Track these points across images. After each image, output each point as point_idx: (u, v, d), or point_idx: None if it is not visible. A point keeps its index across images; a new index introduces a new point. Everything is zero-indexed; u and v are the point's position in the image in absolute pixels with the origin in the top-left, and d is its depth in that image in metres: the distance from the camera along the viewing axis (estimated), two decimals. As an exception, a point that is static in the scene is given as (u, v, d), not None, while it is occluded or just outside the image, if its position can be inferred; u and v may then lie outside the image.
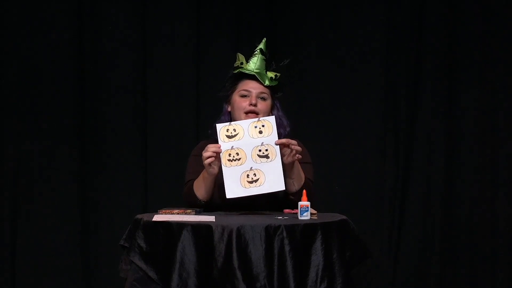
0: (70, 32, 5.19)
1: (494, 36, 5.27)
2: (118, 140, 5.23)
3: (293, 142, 3.64)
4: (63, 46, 5.19)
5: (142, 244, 3.35)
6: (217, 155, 3.61)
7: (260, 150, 3.62)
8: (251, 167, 3.62)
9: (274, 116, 3.70)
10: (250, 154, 3.62)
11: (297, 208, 3.47)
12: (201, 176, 3.74)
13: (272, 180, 3.60)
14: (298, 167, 3.73)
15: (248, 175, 3.61)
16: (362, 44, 5.31)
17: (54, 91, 5.19)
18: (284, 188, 3.63)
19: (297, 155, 3.63)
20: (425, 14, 5.29)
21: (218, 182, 3.72)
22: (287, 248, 3.22)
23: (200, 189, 3.76)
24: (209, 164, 3.62)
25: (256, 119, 3.67)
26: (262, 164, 3.62)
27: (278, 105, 3.97)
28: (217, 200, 3.77)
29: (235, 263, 3.17)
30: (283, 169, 3.67)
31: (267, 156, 3.61)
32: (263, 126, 3.64)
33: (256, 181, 3.61)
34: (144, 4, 5.24)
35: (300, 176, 3.73)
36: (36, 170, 5.19)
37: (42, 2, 5.19)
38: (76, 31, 5.20)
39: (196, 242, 3.24)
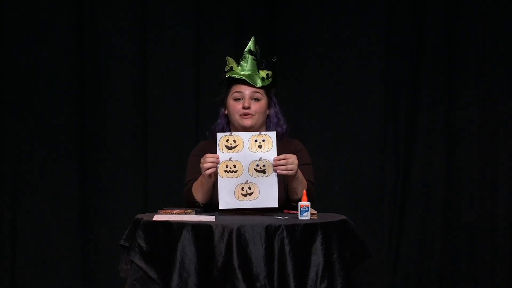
0: (70, 32, 5.19)
1: (494, 36, 5.28)
2: (118, 140, 5.24)
3: (290, 159, 3.63)
4: (63, 47, 5.19)
5: (142, 244, 3.35)
6: (216, 166, 3.62)
7: (257, 165, 3.61)
8: (247, 181, 3.62)
9: (275, 132, 3.68)
10: (247, 168, 3.61)
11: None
12: (199, 180, 3.75)
13: (266, 195, 3.60)
14: (300, 176, 3.73)
15: (243, 188, 3.61)
16: (362, 43, 5.31)
17: (54, 91, 5.20)
18: (277, 206, 3.63)
19: (288, 172, 3.63)
20: (425, 14, 5.29)
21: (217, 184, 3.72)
22: (287, 248, 3.22)
23: (199, 192, 3.76)
24: (209, 174, 3.63)
25: (257, 132, 3.67)
26: (258, 178, 3.61)
27: (275, 101, 3.97)
28: (216, 201, 3.77)
29: (235, 263, 3.17)
30: (285, 178, 3.68)
31: (263, 171, 3.61)
32: (263, 140, 3.63)
33: (250, 194, 3.61)
34: (144, 4, 5.25)
35: (302, 184, 3.73)
36: (36, 170, 5.19)
37: (43, 2, 5.19)
38: (76, 31, 5.20)
39: (196, 242, 3.24)
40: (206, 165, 3.62)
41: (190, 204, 3.80)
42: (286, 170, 3.61)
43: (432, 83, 5.30)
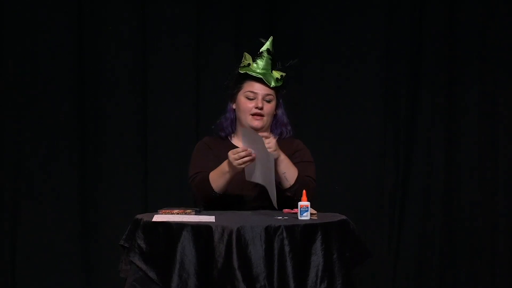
0: (70, 32, 5.19)
1: (494, 36, 5.28)
2: (118, 140, 5.24)
3: (271, 142, 3.69)
4: (63, 46, 5.19)
5: (142, 245, 3.35)
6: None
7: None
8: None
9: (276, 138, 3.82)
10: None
11: (296, 207, 3.48)
12: (220, 170, 3.72)
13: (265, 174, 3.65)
14: (286, 161, 3.73)
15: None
16: (362, 43, 5.31)
17: (54, 91, 5.20)
18: (274, 188, 3.65)
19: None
20: (425, 14, 5.29)
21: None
22: (287, 248, 3.22)
23: (217, 181, 3.71)
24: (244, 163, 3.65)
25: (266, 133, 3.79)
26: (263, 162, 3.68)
27: (281, 102, 3.97)
28: (230, 193, 3.78)
29: (235, 263, 3.17)
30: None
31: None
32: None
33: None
34: (144, 4, 5.24)
35: (291, 170, 3.73)
36: (36, 170, 5.19)
37: (42, 2, 5.19)
38: (76, 31, 5.20)
39: (196, 242, 3.24)
40: (243, 160, 3.62)
41: (203, 193, 3.77)
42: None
43: (432, 83, 5.30)
